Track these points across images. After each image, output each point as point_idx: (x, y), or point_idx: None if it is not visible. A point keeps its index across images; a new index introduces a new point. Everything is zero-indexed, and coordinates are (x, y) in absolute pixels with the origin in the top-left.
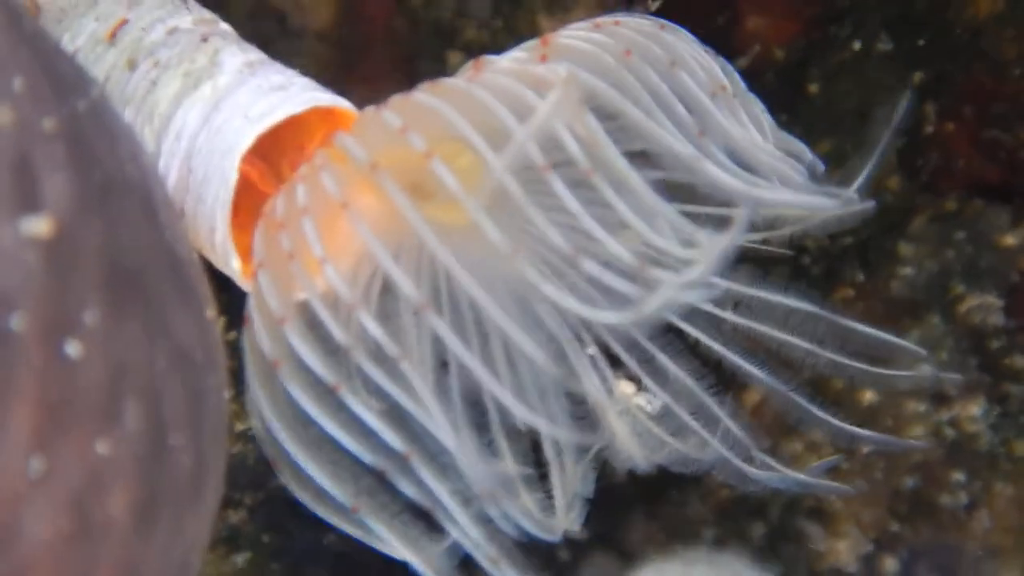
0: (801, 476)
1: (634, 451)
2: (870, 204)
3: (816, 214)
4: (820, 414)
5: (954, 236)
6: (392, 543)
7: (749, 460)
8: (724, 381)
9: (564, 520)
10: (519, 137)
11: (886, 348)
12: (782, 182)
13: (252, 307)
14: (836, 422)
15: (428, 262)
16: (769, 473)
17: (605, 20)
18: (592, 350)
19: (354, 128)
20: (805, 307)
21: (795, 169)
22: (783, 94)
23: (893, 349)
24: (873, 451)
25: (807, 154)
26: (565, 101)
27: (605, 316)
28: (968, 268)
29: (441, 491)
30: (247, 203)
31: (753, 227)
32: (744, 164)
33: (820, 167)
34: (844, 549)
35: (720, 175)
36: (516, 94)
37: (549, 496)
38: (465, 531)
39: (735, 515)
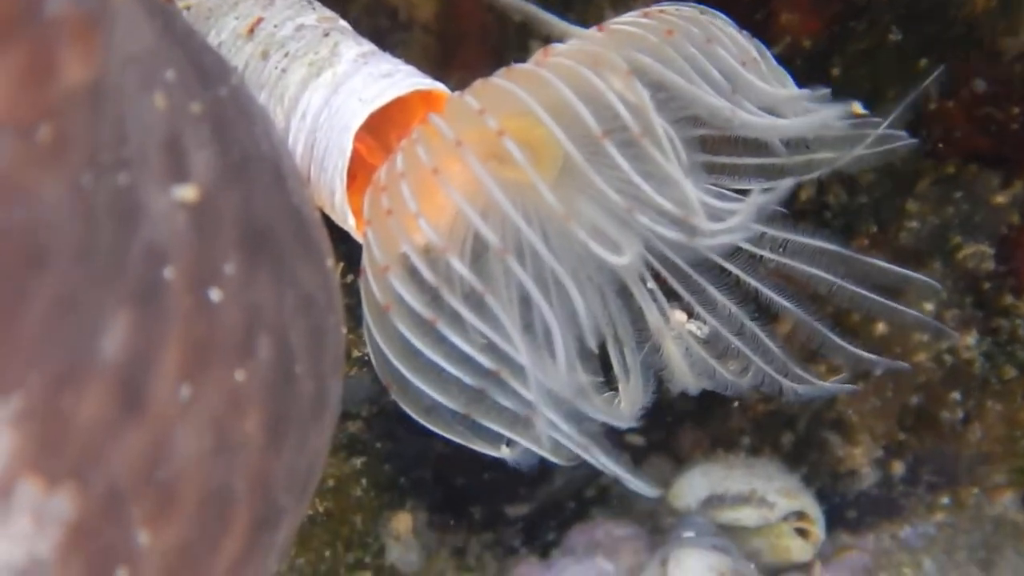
0: (827, 384)
1: (684, 371)
2: (902, 136)
3: (845, 153)
4: (840, 342)
5: (953, 195)
6: (492, 438)
7: (785, 375)
8: (761, 313)
9: (630, 417)
10: (571, 98)
11: (901, 282)
12: (807, 112)
13: (364, 259)
14: (853, 349)
15: (510, 218)
16: (801, 385)
17: (652, 9)
18: (651, 284)
19: (444, 109)
20: (830, 247)
21: (819, 101)
22: (810, 77)
23: (907, 282)
24: (884, 374)
25: (828, 111)
26: (612, 68)
27: (666, 232)
28: (965, 222)
29: (530, 396)
30: (360, 172)
31: (788, 172)
32: (773, 109)
33: (845, 112)
34: (859, 455)
35: (753, 118)
36: (575, 71)
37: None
38: (553, 426)
39: (768, 427)
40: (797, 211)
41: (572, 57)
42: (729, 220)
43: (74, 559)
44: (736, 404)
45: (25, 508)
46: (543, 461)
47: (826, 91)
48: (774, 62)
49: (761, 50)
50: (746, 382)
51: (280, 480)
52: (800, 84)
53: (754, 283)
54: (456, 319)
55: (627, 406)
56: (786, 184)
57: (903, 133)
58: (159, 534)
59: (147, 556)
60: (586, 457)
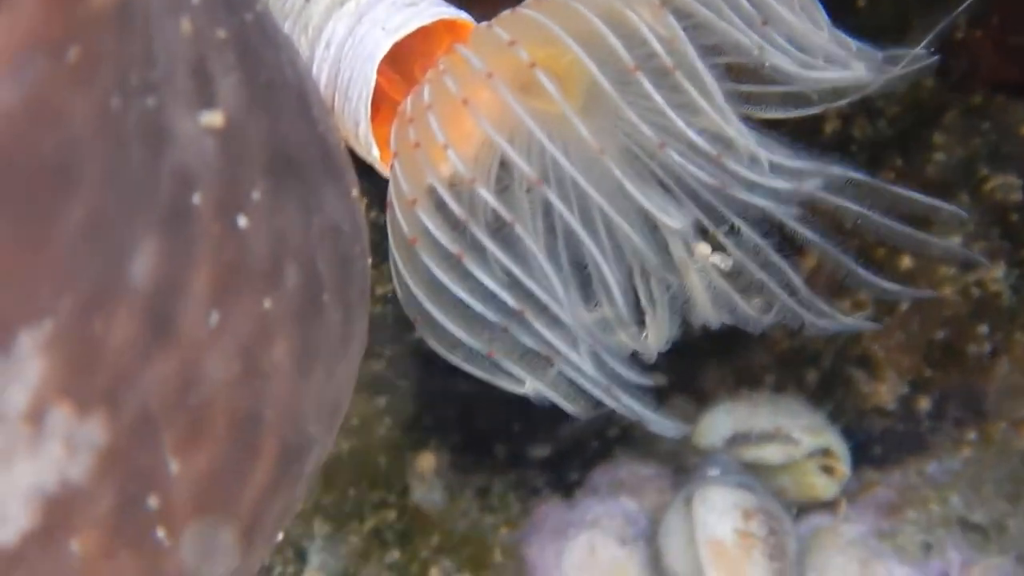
0: (850, 320)
1: (707, 304)
2: (933, 59)
3: (873, 81)
4: (866, 274)
5: (980, 127)
6: (515, 376)
7: (809, 310)
8: (786, 246)
9: (656, 349)
10: (603, 30)
11: (928, 212)
12: (837, 62)
13: (391, 192)
14: (879, 280)
15: (538, 148)
16: (824, 320)
17: None
18: None
19: (471, 40)
20: (857, 176)
21: (848, 51)
22: (836, 8)
23: (934, 214)
24: (910, 309)
25: (855, 46)
26: (645, 4)
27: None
28: (992, 154)
29: (552, 336)
30: (383, 106)
31: (814, 100)
32: (803, 48)
33: (874, 55)
34: (885, 391)
35: (779, 60)
36: (604, 2)
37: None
38: (577, 365)
39: (793, 364)
40: (822, 144)
41: None
42: (799, 183)
43: (106, 485)
44: (760, 341)
45: (57, 434)
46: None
47: (851, 41)
48: None
49: None
50: (768, 318)
51: (308, 409)
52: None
53: (779, 215)
54: (482, 253)
55: (654, 339)
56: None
57: (930, 56)
58: (189, 461)
59: (178, 483)
60: (608, 402)
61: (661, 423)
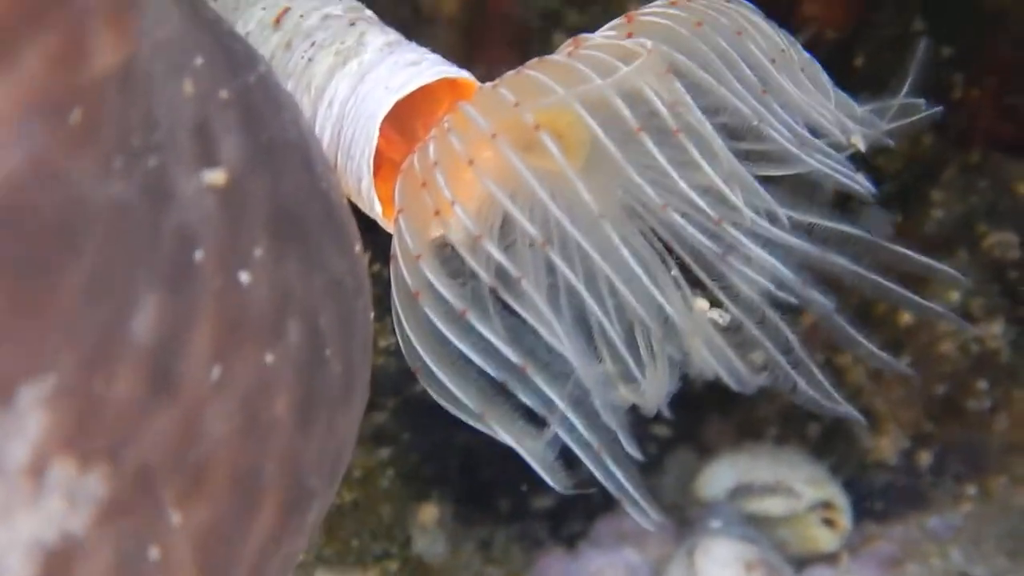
0: (841, 406)
1: (705, 358)
2: (930, 111)
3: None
4: (859, 338)
5: (978, 184)
6: (508, 438)
7: (802, 372)
8: (785, 305)
9: (655, 403)
10: (609, 93)
11: (927, 271)
12: (834, 131)
13: (396, 246)
14: (870, 347)
15: (541, 207)
16: (817, 393)
17: None
18: (675, 272)
19: (475, 99)
20: (856, 233)
21: (841, 126)
22: (834, 68)
23: (933, 271)
24: (911, 363)
25: (857, 109)
26: (650, 67)
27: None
28: (990, 210)
29: (551, 393)
30: (384, 165)
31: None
32: (798, 120)
33: (874, 119)
34: (886, 445)
35: (776, 135)
36: (608, 64)
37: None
38: (571, 426)
39: (795, 417)
40: (822, 200)
41: (605, 50)
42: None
43: (106, 538)
44: (762, 394)
45: (58, 487)
46: (571, 450)
47: (853, 104)
48: (804, 52)
49: (788, 38)
50: (760, 379)
51: (310, 462)
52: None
53: (778, 274)
54: (486, 309)
55: (654, 393)
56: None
57: (923, 107)
58: (190, 514)
59: (179, 535)
60: (595, 470)
61: (639, 507)
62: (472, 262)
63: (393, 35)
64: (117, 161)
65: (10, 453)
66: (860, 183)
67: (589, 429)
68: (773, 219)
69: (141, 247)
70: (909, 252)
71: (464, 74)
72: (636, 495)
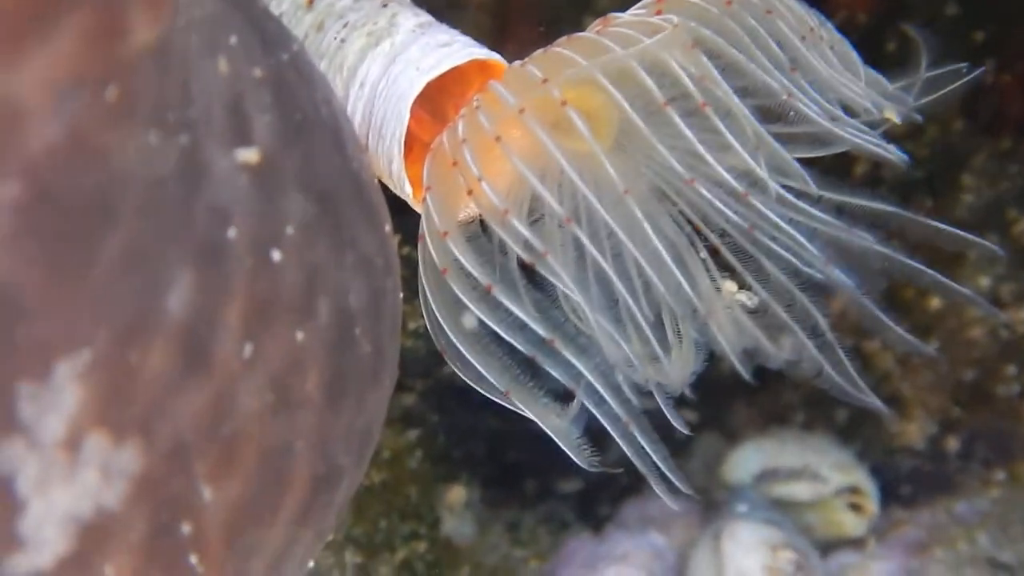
0: (866, 394)
1: (732, 340)
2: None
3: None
4: (888, 322)
5: (1008, 169)
6: (533, 415)
7: (830, 357)
8: (813, 287)
9: (680, 383)
10: (633, 65)
11: (960, 249)
12: (862, 112)
13: (424, 224)
14: (900, 331)
15: (569, 185)
16: (843, 381)
17: None
18: (703, 254)
19: (504, 78)
20: (889, 208)
21: (872, 101)
22: (865, 52)
23: (964, 255)
24: (939, 348)
25: (887, 84)
26: (675, 39)
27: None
28: (1020, 196)
29: (580, 366)
30: (415, 146)
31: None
32: (828, 96)
33: (904, 97)
34: (914, 431)
35: (806, 109)
36: (635, 41)
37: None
38: (599, 400)
39: (822, 402)
40: (852, 185)
41: (633, 27)
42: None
43: (140, 512)
44: (789, 379)
45: (93, 461)
46: (597, 433)
47: (884, 81)
48: (835, 31)
49: (818, 17)
50: (786, 354)
51: (339, 440)
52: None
53: (806, 255)
54: (513, 284)
55: (679, 372)
56: None
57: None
58: (222, 489)
59: (210, 510)
60: (623, 443)
61: (665, 485)
62: (503, 234)
63: (424, 17)
64: (152, 136)
65: (47, 427)
66: (892, 152)
67: (618, 403)
68: (801, 195)
69: (175, 223)
70: (944, 226)
71: (495, 56)
72: (664, 468)
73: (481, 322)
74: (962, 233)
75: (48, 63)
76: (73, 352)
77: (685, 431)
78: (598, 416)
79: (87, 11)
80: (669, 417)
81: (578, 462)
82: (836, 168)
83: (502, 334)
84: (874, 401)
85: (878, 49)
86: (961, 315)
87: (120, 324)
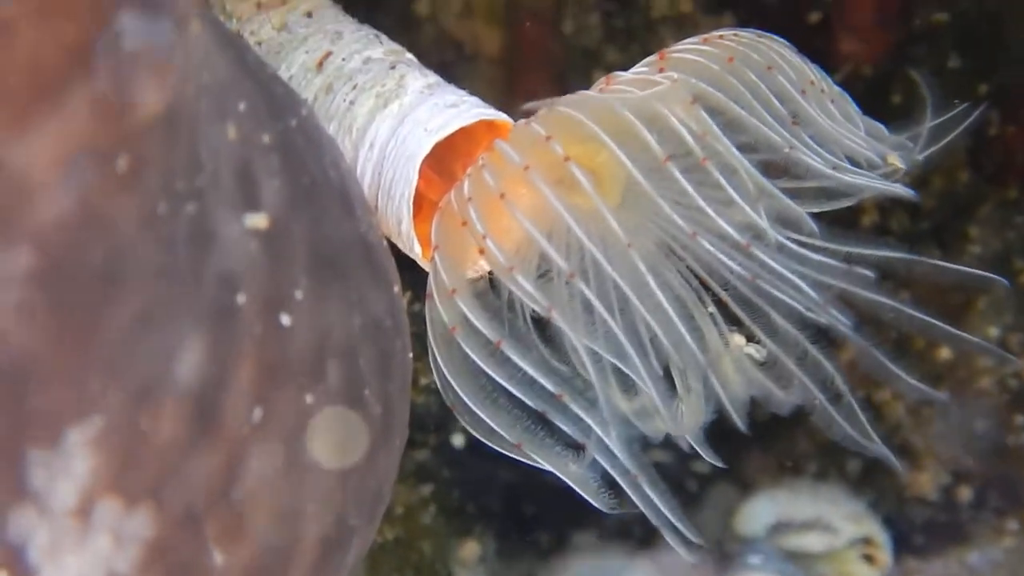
0: (877, 445)
1: (742, 394)
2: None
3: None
4: (899, 372)
5: (1014, 219)
6: (548, 465)
7: (841, 408)
8: (823, 339)
9: (691, 435)
10: (633, 121)
11: (972, 289)
12: (864, 161)
13: (432, 283)
14: (911, 380)
15: (576, 241)
16: (854, 431)
17: (712, 35)
18: (711, 308)
19: (509, 137)
20: (897, 255)
21: (874, 151)
22: (871, 104)
23: (981, 287)
24: (950, 398)
25: (888, 134)
26: (675, 96)
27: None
28: None
29: (589, 421)
30: (424, 205)
31: (847, 195)
32: (830, 148)
33: (906, 144)
34: (926, 481)
35: (808, 160)
36: (638, 99)
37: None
38: (610, 454)
39: (834, 452)
40: (859, 235)
41: (635, 85)
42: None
43: None
44: (802, 429)
45: (105, 527)
46: (611, 486)
47: (884, 130)
48: (835, 86)
49: (820, 74)
50: (795, 398)
51: (350, 501)
52: (860, 111)
53: (814, 307)
54: (521, 340)
55: (688, 424)
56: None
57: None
58: (233, 552)
59: (221, 574)
60: (633, 495)
61: (675, 537)
62: (512, 289)
63: (432, 77)
64: (162, 205)
65: (58, 494)
66: (900, 190)
67: (627, 456)
68: (808, 246)
69: (185, 290)
70: (950, 264)
71: (502, 116)
72: (675, 520)
73: (490, 377)
74: (971, 271)
75: (58, 134)
76: (83, 418)
77: (719, 463)
78: (608, 470)
79: (96, 82)
80: (699, 451)
81: (598, 507)
82: (842, 219)
83: (511, 390)
84: (885, 452)
85: (883, 101)
86: (971, 366)
87: (130, 390)
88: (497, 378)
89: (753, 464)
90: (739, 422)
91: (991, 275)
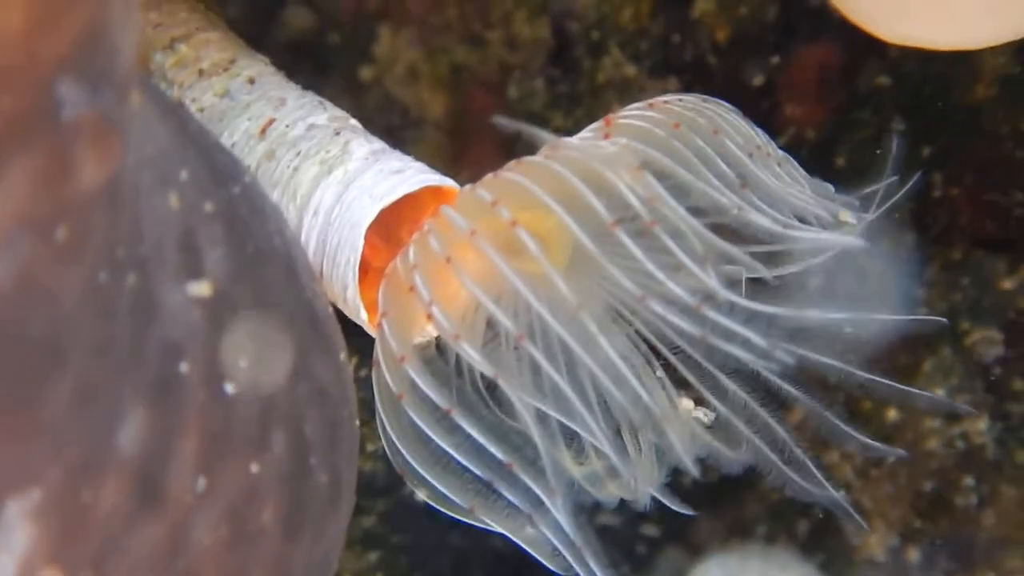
0: (833, 493)
1: (690, 455)
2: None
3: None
4: (849, 430)
5: (960, 281)
6: (505, 529)
7: (792, 466)
8: (771, 400)
9: (643, 497)
10: (580, 187)
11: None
12: (814, 220)
13: (378, 350)
14: (862, 437)
15: (524, 305)
16: (808, 484)
17: (657, 100)
18: (659, 372)
19: (456, 202)
20: (846, 316)
21: (825, 208)
22: (816, 167)
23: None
24: (898, 460)
25: (835, 195)
26: (621, 161)
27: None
28: (973, 307)
29: (536, 491)
30: (370, 271)
31: (793, 260)
32: (780, 208)
33: (853, 203)
34: (875, 542)
35: (759, 219)
36: (584, 165)
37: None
38: (556, 525)
39: (784, 514)
40: (808, 297)
41: (581, 150)
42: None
43: None
44: (752, 492)
45: None
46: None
47: (830, 188)
48: (779, 150)
49: (766, 139)
50: (745, 459)
51: (297, 570)
52: (806, 174)
53: (761, 370)
54: (470, 408)
55: (641, 487)
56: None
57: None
58: None
59: None
60: (577, 567)
61: None
62: (462, 354)
63: (377, 143)
64: (103, 275)
65: None
66: (852, 241)
67: (573, 527)
68: (756, 313)
69: (126, 360)
70: (892, 317)
71: (448, 181)
72: None
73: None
74: (914, 318)
75: None
76: (24, 490)
77: (687, 511)
78: (553, 542)
79: (35, 153)
80: (669, 505)
81: (553, 570)
82: (791, 283)
83: (459, 460)
84: (841, 503)
85: (828, 164)
86: (918, 427)
87: (72, 462)
88: (445, 446)
89: (702, 528)
90: (692, 471)
91: (935, 318)
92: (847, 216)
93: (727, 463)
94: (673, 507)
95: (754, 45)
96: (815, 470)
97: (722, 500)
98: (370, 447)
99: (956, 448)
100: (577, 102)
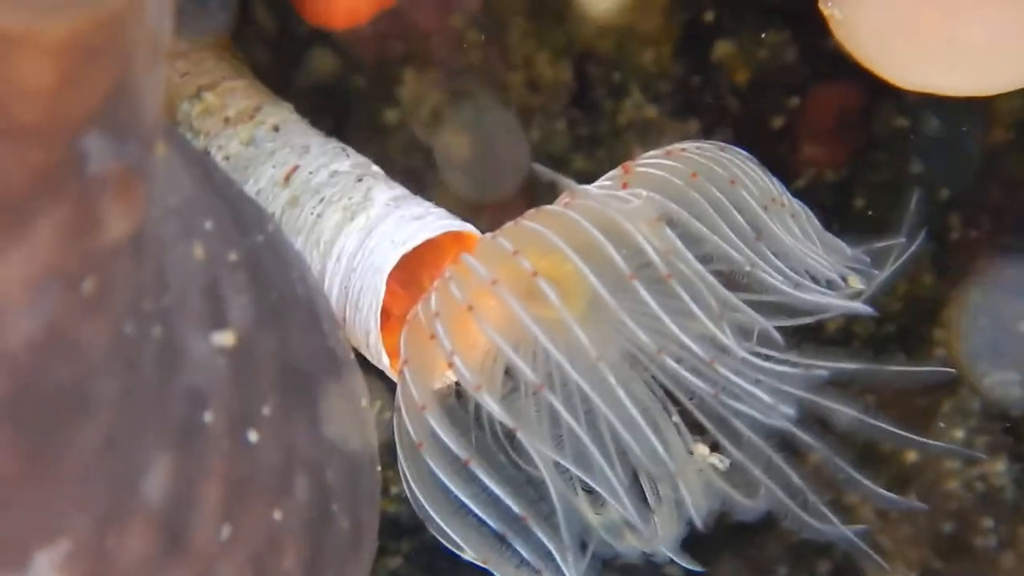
0: (850, 533)
1: (706, 503)
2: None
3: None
4: (861, 479)
5: (979, 322)
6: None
7: (809, 510)
8: (787, 447)
9: (665, 547)
10: (600, 240)
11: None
12: (830, 280)
13: (400, 397)
14: (874, 487)
15: (543, 353)
16: (827, 525)
17: (675, 147)
18: (676, 418)
19: (476, 250)
20: (861, 365)
21: (835, 269)
22: (834, 208)
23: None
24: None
25: (848, 250)
26: (641, 214)
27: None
28: (991, 349)
29: (551, 547)
30: (391, 317)
31: (808, 313)
32: (792, 263)
33: (865, 259)
34: None
35: (770, 280)
36: (602, 215)
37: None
38: None
39: (805, 555)
40: (825, 341)
41: (599, 200)
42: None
43: None
44: (773, 533)
45: None
46: None
47: (843, 244)
48: (794, 201)
49: (781, 189)
50: (762, 506)
51: None
52: (824, 216)
53: (775, 419)
54: (488, 458)
55: (662, 536)
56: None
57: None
58: None
59: None
60: None
61: None
62: (482, 404)
63: (399, 190)
64: (129, 326)
65: None
66: (861, 308)
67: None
68: (770, 359)
69: (151, 409)
70: (905, 367)
71: (468, 227)
72: None
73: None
74: (930, 368)
75: (25, 259)
76: (52, 542)
77: (697, 568)
78: None
79: (63, 207)
80: (678, 561)
81: None
82: (807, 326)
83: (475, 510)
84: (859, 543)
85: (846, 206)
86: (937, 468)
87: (98, 511)
88: (463, 496)
89: (724, 568)
90: (701, 524)
91: (949, 370)
92: (856, 281)
93: (743, 511)
94: (686, 565)
95: (773, 87)
96: (831, 515)
97: (743, 540)
98: (394, 490)
99: (975, 490)
100: (598, 143)
